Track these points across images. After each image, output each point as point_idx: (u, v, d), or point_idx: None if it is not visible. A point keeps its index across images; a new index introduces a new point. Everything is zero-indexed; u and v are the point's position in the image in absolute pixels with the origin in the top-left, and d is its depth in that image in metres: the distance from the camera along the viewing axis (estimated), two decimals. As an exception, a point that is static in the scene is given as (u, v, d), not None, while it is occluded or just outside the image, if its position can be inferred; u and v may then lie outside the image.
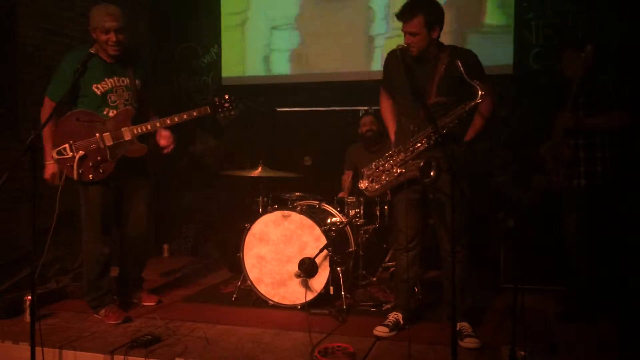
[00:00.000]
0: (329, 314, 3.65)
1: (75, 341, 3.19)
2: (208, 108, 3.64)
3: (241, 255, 3.98)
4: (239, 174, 4.43)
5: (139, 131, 3.55)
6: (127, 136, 3.53)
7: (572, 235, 3.64)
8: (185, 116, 3.59)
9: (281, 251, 3.89)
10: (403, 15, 3.11)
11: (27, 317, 3.42)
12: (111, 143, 3.49)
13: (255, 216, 4.00)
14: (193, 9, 5.90)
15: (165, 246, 5.89)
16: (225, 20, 5.80)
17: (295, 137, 5.58)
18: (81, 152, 3.44)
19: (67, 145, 3.45)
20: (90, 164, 3.46)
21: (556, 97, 3.71)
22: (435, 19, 3.09)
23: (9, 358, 3.16)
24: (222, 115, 3.70)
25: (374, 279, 4.39)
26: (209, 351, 3.06)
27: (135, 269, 4.00)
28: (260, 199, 4.25)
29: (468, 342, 3.10)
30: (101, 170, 3.49)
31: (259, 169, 4.22)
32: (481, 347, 3.08)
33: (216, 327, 3.45)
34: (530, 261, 4.12)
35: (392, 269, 4.34)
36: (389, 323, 3.32)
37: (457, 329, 3.16)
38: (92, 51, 3.28)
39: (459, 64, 2.99)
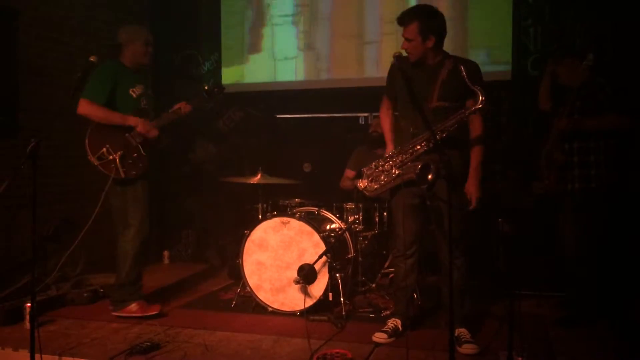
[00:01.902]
0: (328, 320, 3.65)
1: (74, 348, 3.20)
2: (204, 94, 4.03)
3: (240, 262, 3.99)
4: (238, 181, 4.44)
5: (161, 123, 3.91)
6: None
7: (568, 239, 3.65)
8: (190, 105, 3.98)
9: (280, 257, 3.90)
10: (401, 20, 3.19)
11: (27, 324, 3.43)
12: (141, 139, 3.82)
13: (255, 223, 4.01)
14: (193, 17, 5.94)
15: (166, 252, 5.90)
16: (225, 28, 5.84)
17: (295, 144, 5.60)
18: (120, 152, 3.74)
19: (104, 150, 3.73)
20: (130, 162, 3.78)
21: (554, 103, 3.74)
22: (431, 28, 3.12)
23: (9, 365, 3.18)
24: (214, 95, 4.08)
25: (373, 285, 4.39)
26: (208, 358, 3.07)
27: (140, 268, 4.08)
28: (260, 205, 4.26)
29: (466, 348, 3.10)
30: (140, 165, 3.82)
31: (259, 176, 4.24)
32: (479, 353, 3.08)
33: (215, 334, 3.46)
34: (529, 267, 4.13)
35: (391, 275, 4.34)
36: (388, 329, 3.33)
37: (456, 334, 3.17)
38: (122, 62, 3.85)
39: (462, 68, 3.01)
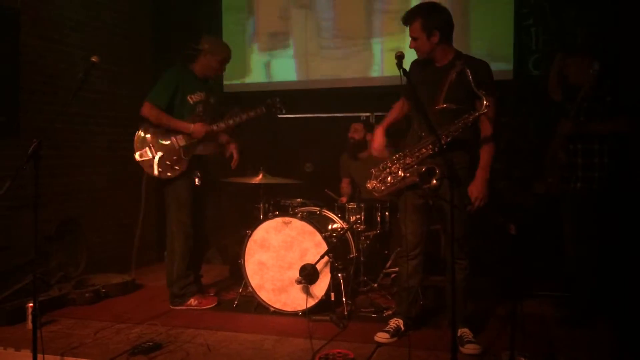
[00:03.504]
0: (330, 320, 3.65)
1: (76, 348, 3.20)
2: (263, 108, 4.10)
3: (242, 262, 3.99)
4: (240, 181, 4.44)
5: (217, 127, 4.08)
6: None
7: (569, 239, 3.66)
8: (244, 116, 4.08)
9: (282, 257, 3.90)
10: (404, 20, 3.23)
11: (30, 324, 3.43)
12: (184, 143, 3.99)
13: (257, 223, 4.01)
14: (193, 17, 5.93)
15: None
16: (226, 28, 5.83)
17: (297, 144, 5.59)
18: (160, 153, 3.93)
19: (147, 149, 3.96)
20: (168, 163, 3.96)
21: (563, 98, 3.73)
22: (434, 24, 3.13)
23: (11, 365, 3.18)
24: (273, 112, 4.14)
25: (375, 285, 4.39)
26: (210, 358, 3.07)
27: (195, 267, 4.27)
28: (261, 205, 4.26)
29: (469, 348, 3.10)
30: (177, 168, 3.98)
31: (260, 176, 4.24)
32: (482, 353, 3.08)
33: (217, 334, 3.46)
34: (531, 267, 4.12)
35: (393, 275, 4.35)
36: (390, 329, 3.33)
37: (458, 334, 3.17)
38: (190, 67, 4.08)
39: (468, 72, 3.01)
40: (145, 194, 4.09)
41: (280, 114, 4.19)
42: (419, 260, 3.36)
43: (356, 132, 4.73)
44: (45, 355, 2.94)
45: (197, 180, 4.07)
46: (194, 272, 4.23)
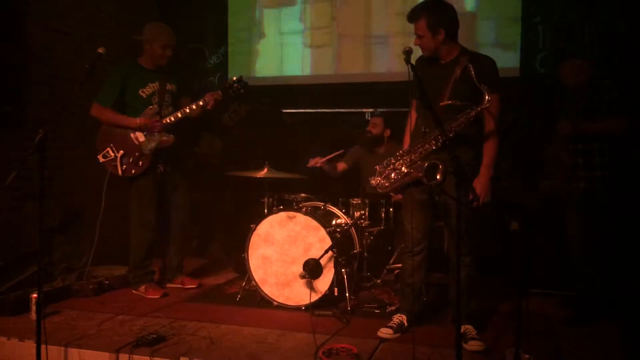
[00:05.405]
0: (333, 315, 3.65)
1: (80, 339, 3.20)
2: (220, 92, 4.11)
3: (246, 256, 3.99)
4: (244, 175, 4.44)
5: (166, 122, 4.08)
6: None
7: (573, 239, 3.66)
8: (201, 103, 4.06)
9: (286, 252, 3.90)
10: (409, 17, 3.23)
11: (33, 314, 3.43)
12: (144, 139, 4.04)
13: (261, 217, 4.01)
14: (200, 11, 5.93)
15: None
16: (233, 22, 5.83)
17: (301, 139, 5.59)
18: (121, 152, 4.02)
19: (109, 149, 4.05)
20: (131, 160, 4.03)
21: (561, 102, 3.73)
22: (439, 22, 3.12)
23: (15, 355, 3.17)
24: (232, 95, 4.14)
25: (379, 280, 4.39)
26: (213, 351, 3.07)
27: (177, 254, 4.43)
28: (266, 199, 4.26)
29: (472, 345, 3.10)
30: (140, 164, 4.05)
31: (265, 170, 4.24)
32: (485, 350, 3.08)
33: (220, 327, 3.46)
34: (535, 265, 4.12)
35: (396, 271, 4.34)
36: (394, 325, 3.32)
37: (462, 331, 3.16)
38: (138, 61, 4.10)
39: (472, 68, 3.01)
40: (105, 197, 4.07)
41: (240, 92, 4.15)
42: (422, 257, 3.36)
43: (375, 126, 4.68)
44: (49, 346, 2.94)
45: (160, 167, 4.15)
46: (176, 263, 4.40)
